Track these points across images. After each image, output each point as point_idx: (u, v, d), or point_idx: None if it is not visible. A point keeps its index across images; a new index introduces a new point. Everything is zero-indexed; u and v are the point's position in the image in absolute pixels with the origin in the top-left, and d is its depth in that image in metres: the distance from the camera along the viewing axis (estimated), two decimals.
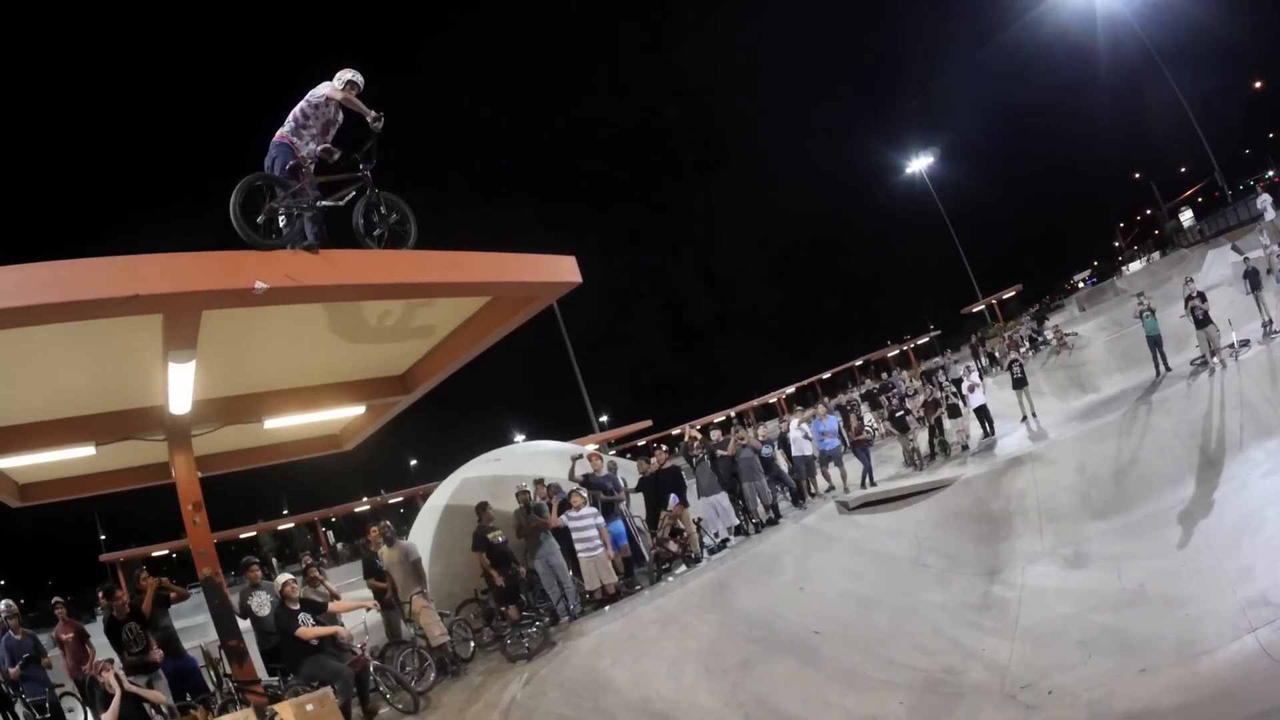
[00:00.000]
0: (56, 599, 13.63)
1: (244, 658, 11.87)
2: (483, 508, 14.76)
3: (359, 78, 9.21)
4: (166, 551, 42.78)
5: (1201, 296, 22.13)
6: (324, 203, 9.07)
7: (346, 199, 9.18)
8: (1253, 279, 24.75)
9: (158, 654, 11.94)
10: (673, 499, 17.05)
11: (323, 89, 9.17)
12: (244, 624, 12.49)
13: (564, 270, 10.76)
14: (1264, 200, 38.01)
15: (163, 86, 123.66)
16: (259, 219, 8.50)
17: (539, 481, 15.80)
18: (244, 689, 11.49)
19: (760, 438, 21.39)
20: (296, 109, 9.18)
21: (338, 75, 9.24)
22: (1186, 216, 66.36)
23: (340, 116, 9.36)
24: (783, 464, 21.95)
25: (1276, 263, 25.28)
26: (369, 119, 9.04)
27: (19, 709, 12.28)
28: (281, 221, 8.84)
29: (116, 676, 9.84)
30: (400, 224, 9.25)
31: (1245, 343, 21.76)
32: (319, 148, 9.24)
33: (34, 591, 49.30)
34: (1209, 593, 13.81)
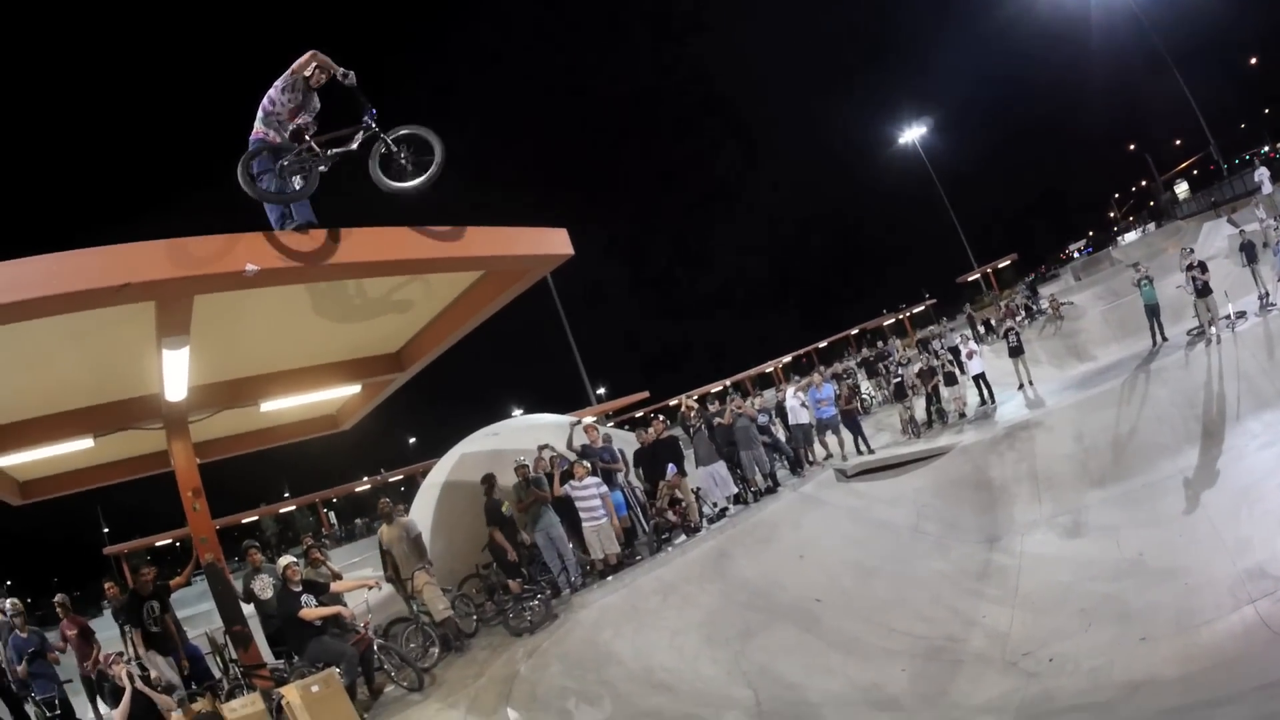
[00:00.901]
0: (58, 596, 13.69)
1: (249, 642, 11.92)
2: (490, 481, 14.82)
3: (329, 63, 9.11)
4: (170, 541, 42.87)
5: (1202, 266, 21.96)
6: (335, 150, 8.96)
7: (357, 143, 9.07)
8: (1249, 252, 24.64)
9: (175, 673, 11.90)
10: (670, 469, 17.09)
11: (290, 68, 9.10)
12: (248, 608, 12.55)
13: (556, 243, 10.71)
14: (1262, 174, 37.96)
15: (150, 78, 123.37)
16: (270, 180, 8.71)
17: (544, 447, 15.83)
18: (250, 673, 11.55)
19: (757, 406, 21.43)
20: (264, 98, 9.07)
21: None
22: (1181, 189, 66.32)
23: (315, 102, 9.28)
24: (780, 433, 21.97)
25: (1273, 236, 25.20)
26: (338, 75, 8.92)
27: (29, 709, 12.34)
28: (297, 181, 8.86)
29: (129, 674, 9.87)
30: (421, 153, 8.95)
31: (1241, 315, 21.69)
32: (303, 123, 9.18)
33: (40, 589, 49.29)
34: (1208, 563, 13.86)
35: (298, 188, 8.79)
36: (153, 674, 10.82)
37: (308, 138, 9.02)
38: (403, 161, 8.86)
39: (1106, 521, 16.92)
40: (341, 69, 8.91)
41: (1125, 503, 17.29)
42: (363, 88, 8.96)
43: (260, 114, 9.06)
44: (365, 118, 8.93)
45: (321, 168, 8.92)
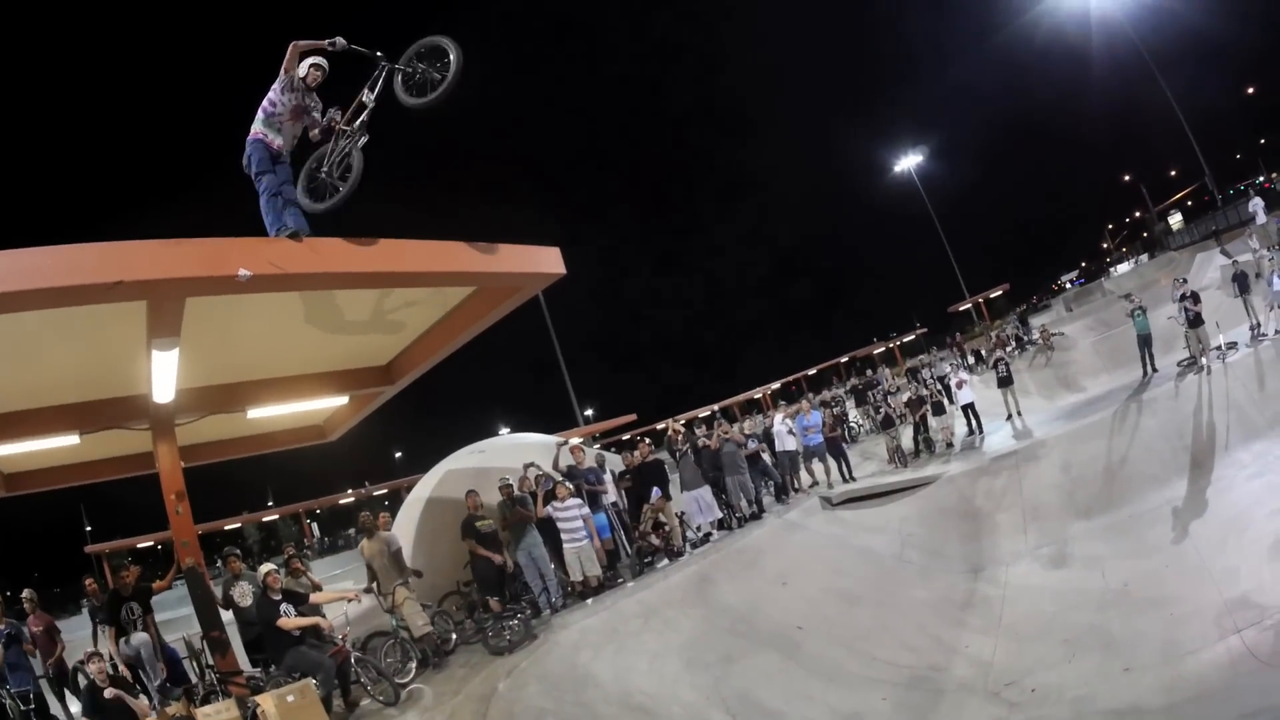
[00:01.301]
0: (26, 591, 13.66)
1: (226, 649, 11.87)
2: (470, 494, 14.72)
3: (324, 60, 9.13)
4: (152, 543, 42.73)
5: (1195, 297, 22.05)
6: (364, 115, 9.08)
7: (376, 93, 9.04)
8: (1241, 282, 24.67)
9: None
10: (655, 492, 17.10)
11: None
12: (226, 615, 12.50)
13: (548, 261, 10.76)
14: (1256, 204, 38.10)
15: (148, 78, 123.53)
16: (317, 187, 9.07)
17: (529, 465, 15.78)
18: (226, 680, 11.49)
19: (745, 431, 21.44)
20: (264, 100, 9.12)
21: (300, 64, 9.14)
22: (1175, 220, 66.52)
23: (315, 101, 9.30)
24: (766, 459, 21.90)
25: (1266, 266, 25.24)
26: (328, 48, 8.90)
27: (4, 701, 12.27)
28: (351, 163, 9.02)
29: (112, 677, 9.86)
30: (438, 59, 8.77)
31: (1233, 345, 21.73)
32: (325, 120, 9.33)
33: (19, 582, 49.02)
34: (1193, 593, 13.85)
35: (354, 170, 8.94)
36: (121, 669, 10.79)
37: (338, 124, 9.16)
38: (423, 76, 8.80)
39: (1092, 552, 16.91)
40: (327, 40, 8.90)
41: (1111, 533, 17.31)
42: (357, 41, 8.97)
43: (260, 115, 9.14)
44: (378, 65, 8.93)
45: (363, 140, 9.05)
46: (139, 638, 11.80)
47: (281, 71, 9.01)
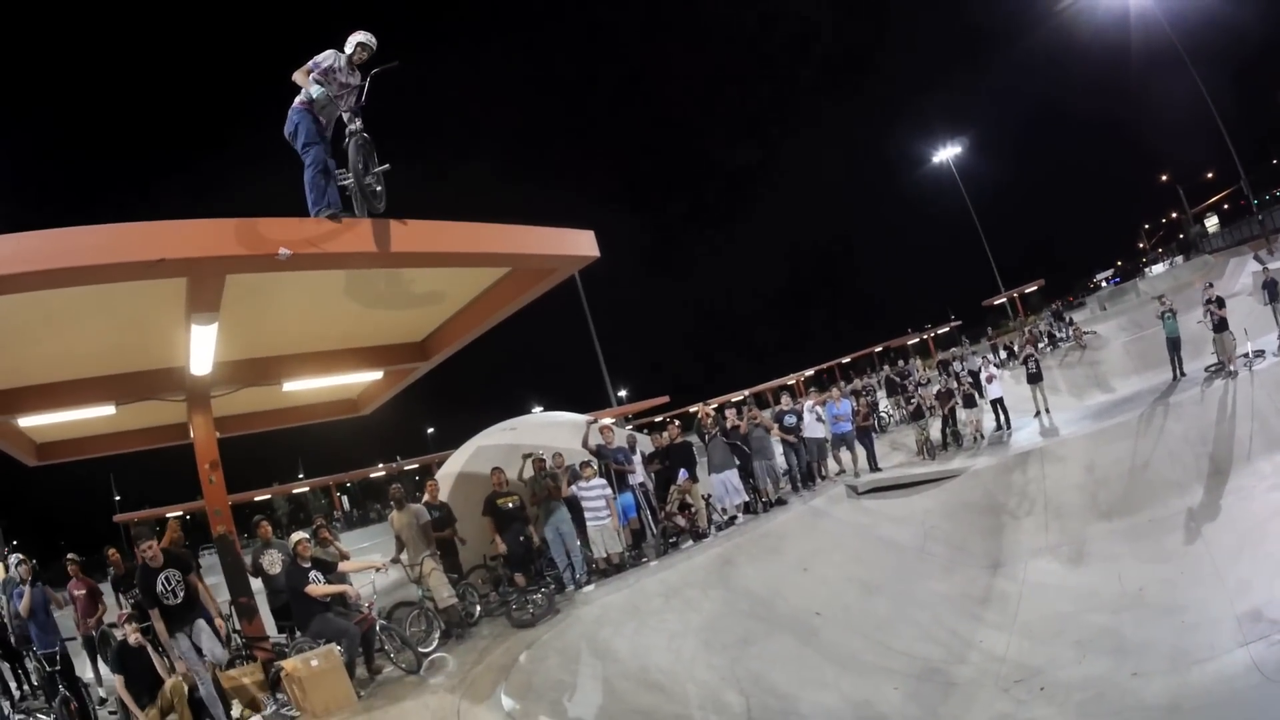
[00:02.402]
0: (70, 555, 13.90)
1: (254, 615, 12.12)
2: (495, 471, 14.89)
3: (371, 39, 9.24)
4: (180, 513, 43.13)
5: (1220, 302, 21.96)
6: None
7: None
8: (1271, 290, 24.44)
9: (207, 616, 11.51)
10: (682, 473, 17.28)
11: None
12: (255, 582, 12.74)
13: (582, 244, 10.94)
14: None
15: (186, 55, 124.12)
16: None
17: (533, 457, 15.74)
18: (252, 645, 11.75)
19: (783, 408, 21.54)
20: (312, 77, 9.26)
21: (348, 40, 9.29)
22: (1211, 222, 66.01)
23: (356, 77, 9.42)
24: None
25: None
26: (310, 67, 9.19)
27: (29, 663, 12.52)
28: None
29: (140, 640, 10.09)
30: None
31: (1260, 353, 21.57)
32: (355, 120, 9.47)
33: (47, 551, 49.52)
34: (1207, 602, 13.86)
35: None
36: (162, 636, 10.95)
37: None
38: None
39: (1111, 554, 16.89)
40: (310, 64, 9.21)
41: (1131, 536, 17.25)
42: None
43: (311, 91, 9.20)
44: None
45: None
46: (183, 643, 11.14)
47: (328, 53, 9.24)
